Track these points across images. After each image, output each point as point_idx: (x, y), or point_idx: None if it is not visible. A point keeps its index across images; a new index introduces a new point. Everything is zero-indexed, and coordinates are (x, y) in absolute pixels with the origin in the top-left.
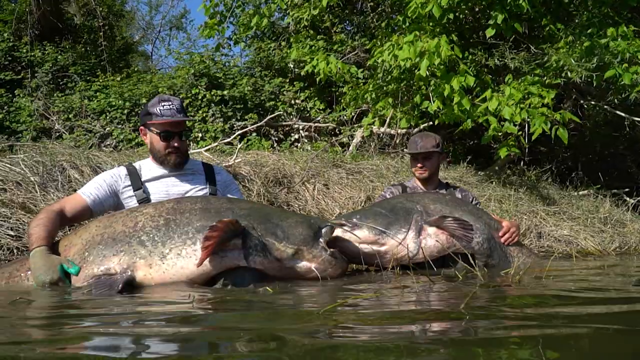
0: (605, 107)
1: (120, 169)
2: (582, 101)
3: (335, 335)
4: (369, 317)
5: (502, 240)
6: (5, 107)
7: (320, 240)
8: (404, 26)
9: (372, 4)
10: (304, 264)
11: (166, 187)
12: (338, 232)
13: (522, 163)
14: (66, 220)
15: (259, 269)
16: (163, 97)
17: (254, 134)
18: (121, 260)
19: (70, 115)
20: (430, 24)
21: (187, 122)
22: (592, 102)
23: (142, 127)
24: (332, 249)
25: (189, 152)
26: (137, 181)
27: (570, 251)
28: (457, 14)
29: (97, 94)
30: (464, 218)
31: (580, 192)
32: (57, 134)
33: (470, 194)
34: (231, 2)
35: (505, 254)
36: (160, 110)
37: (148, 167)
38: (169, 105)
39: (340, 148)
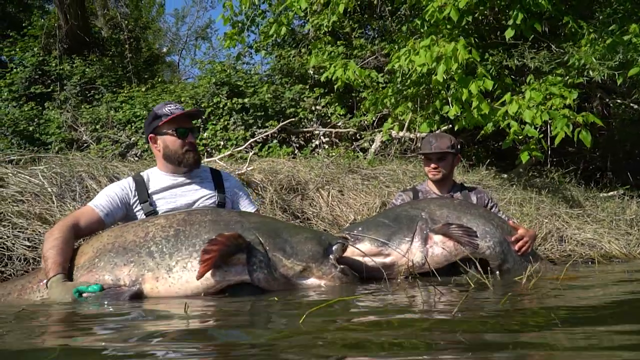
0: (632, 105)
1: (129, 180)
2: (607, 100)
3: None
4: (355, 323)
5: (516, 248)
6: (36, 120)
7: (331, 257)
8: (422, 30)
9: (390, 8)
10: (312, 281)
11: (174, 197)
12: None
13: (548, 164)
14: (80, 234)
15: (262, 286)
16: (166, 102)
17: (275, 141)
18: (130, 271)
19: (98, 126)
20: (448, 26)
21: (193, 122)
22: (618, 101)
23: (151, 135)
24: (342, 266)
25: (201, 161)
26: (143, 193)
27: (593, 255)
28: (476, 15)
29: (123, 104)
30: (472, 222)
31: (606, 194)
32: (85, 144)
33: (486, 196)
34: (252, 12)
35: (520, 259)
36: (169, 109)
37: (156, 177)
38: (174, 105)
39: (361, 153)
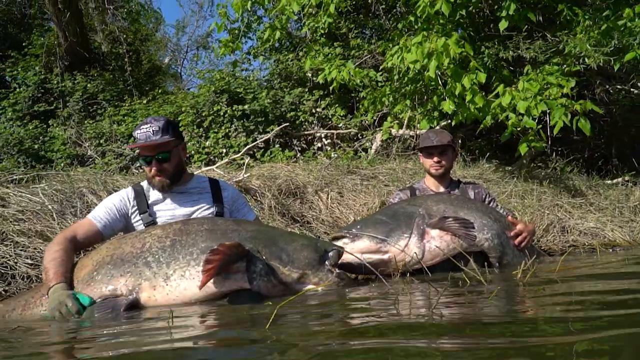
0: (632, 90)
1: (128, 190)
2: (607, 86)
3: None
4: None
5: (515, 242)
6: (40, 138)
7: (326, 263)
8: (415, 27)
9: (384, 6)
10: (310, 287)
11: (172, 209)
12: (339, 244)
13: (554, 154)
14: (79, 246)
15: (263, 293)
16: (146, 120)
17: (277, 146)
18: (127, 281)
19: (101, 141)
20: (441, 21)
21: (171, 142)
22: (618, 86)
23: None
24: (338, 271)
25: (188, 171)
26: (142, 204)
27: (595, 244)
28: (470, 8)
29: (125, 118)
30: (469, 216)
31: (610, 181)
32: (90, 159)
33: (484, 190)
34: (246, 18)
35: (519, 253)
36: (137, 134)
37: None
38: (146, 128)
39: (364, 153)
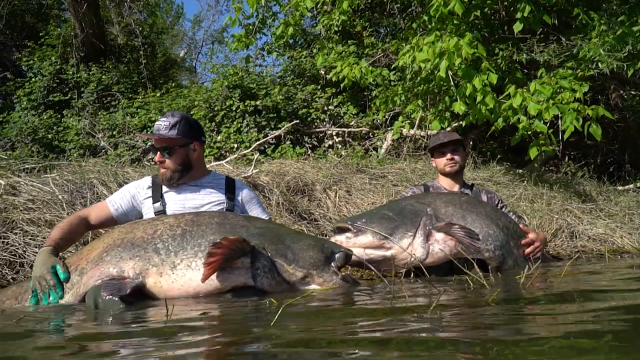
0: None
1: (146, 179)
2: (622, 91)
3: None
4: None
5: (526, 252)
6: (54, 128)
7: (332, 264)
8: (429, 26)
9: (398, 5)
10: (314, 288)
11: (183, 200)
12: (342, 238)
13: (566, 158)
14: (90, 226)
15: (266, 290)
16: (167, 113)
17: (288, 142)
18: (135, 265)
19: (115, 132)
20: (455, 21)
21: (176, 140)
22: (632, 92)
23: None
24: (344, 273)
25: (205, 168)
26: (157, 193)
27: (603, 251)
28: (485, 10)
29: (139, 110)
30: (477, 222)
31: (621, 187)
32: (103, 150)
33: (497, 196)
34: (262, 14)
35: (524, 260)
36: (155, 124)
37: None
38: (162, 121)
39: (375, 152)
